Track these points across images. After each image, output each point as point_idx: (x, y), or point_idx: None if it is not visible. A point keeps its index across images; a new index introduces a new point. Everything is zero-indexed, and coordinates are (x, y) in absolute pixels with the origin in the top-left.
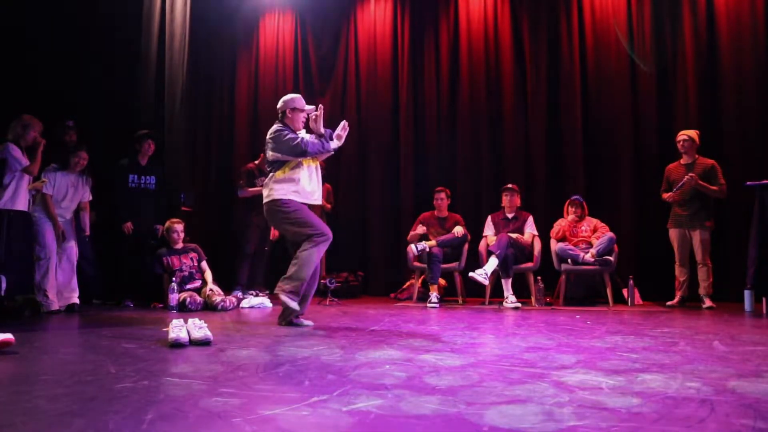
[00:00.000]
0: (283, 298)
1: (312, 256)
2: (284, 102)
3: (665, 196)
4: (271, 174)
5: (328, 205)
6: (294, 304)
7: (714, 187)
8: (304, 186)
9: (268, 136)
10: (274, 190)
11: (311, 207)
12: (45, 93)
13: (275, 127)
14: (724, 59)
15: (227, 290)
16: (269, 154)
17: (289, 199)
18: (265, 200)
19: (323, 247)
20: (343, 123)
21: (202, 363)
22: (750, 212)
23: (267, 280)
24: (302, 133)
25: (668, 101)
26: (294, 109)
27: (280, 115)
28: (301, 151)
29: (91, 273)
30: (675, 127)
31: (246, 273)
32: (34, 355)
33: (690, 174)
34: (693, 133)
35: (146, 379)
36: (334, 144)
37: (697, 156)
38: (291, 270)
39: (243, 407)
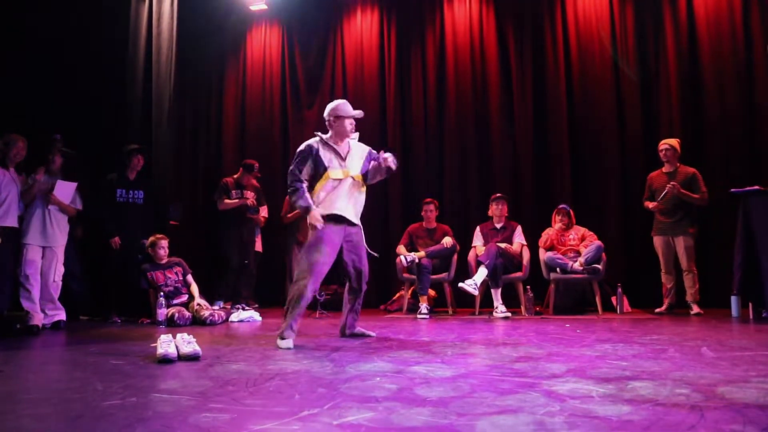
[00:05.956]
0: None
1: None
2: (328, 111)
3: (647, 205)
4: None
5: None
6: (286, 343)
7: (696, 195)
8: (331, 199)
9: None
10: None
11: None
12: (32, 108)
13: (305, 143)
14: (705, 65)
15: (210, 303)
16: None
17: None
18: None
19: (307, 287)
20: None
21: (190, 378)
22: (734, 218)
23: (256, 294)
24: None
25: (652, 107)
26: (338, 117)
27: (327, 123)
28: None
29: (78, 289)
30: (659, 133)
31: (229, 286)
32: (19, 373)
33: (672, 183)
34: (674, 141)
35: (134, 395)
36: (300, 202)
37: (678, 164)
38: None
39: (232, 423)
